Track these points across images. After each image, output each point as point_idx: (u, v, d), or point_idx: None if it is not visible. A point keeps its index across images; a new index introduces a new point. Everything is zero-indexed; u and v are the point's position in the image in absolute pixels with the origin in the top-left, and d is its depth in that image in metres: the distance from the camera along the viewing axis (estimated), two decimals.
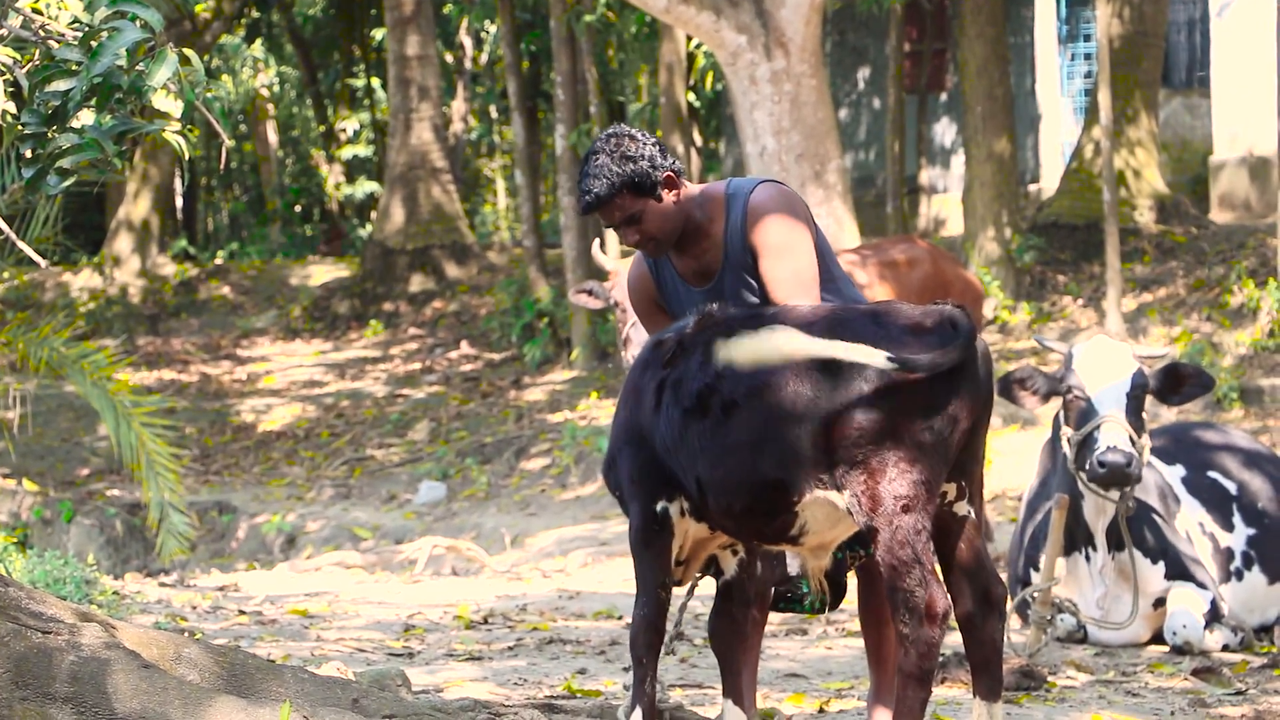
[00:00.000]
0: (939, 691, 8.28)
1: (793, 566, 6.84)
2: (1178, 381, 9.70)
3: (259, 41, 37.79)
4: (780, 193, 6.74)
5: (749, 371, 6.02)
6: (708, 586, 6.80)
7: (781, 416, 5.95)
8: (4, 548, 10.40)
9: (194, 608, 11.67)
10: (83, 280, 28.68)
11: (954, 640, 7.52)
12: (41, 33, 5.97)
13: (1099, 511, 9.68)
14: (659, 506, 6.20)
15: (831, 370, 5.91)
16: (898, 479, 5.86)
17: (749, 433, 5.99)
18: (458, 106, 35.45)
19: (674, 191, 6.75)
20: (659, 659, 6.36)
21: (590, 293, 12.08)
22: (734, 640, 6.56)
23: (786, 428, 5.94)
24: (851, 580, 6.99)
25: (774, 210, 6.68)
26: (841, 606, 9.46)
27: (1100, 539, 9.75)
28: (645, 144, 6.73)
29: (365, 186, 36.24)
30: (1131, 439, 9.38)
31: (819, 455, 5.91)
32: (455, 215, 28.14)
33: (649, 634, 6.27)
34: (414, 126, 27.66)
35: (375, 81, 37.05)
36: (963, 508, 6.12)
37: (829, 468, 5.91)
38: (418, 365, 25.07)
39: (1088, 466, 9.43)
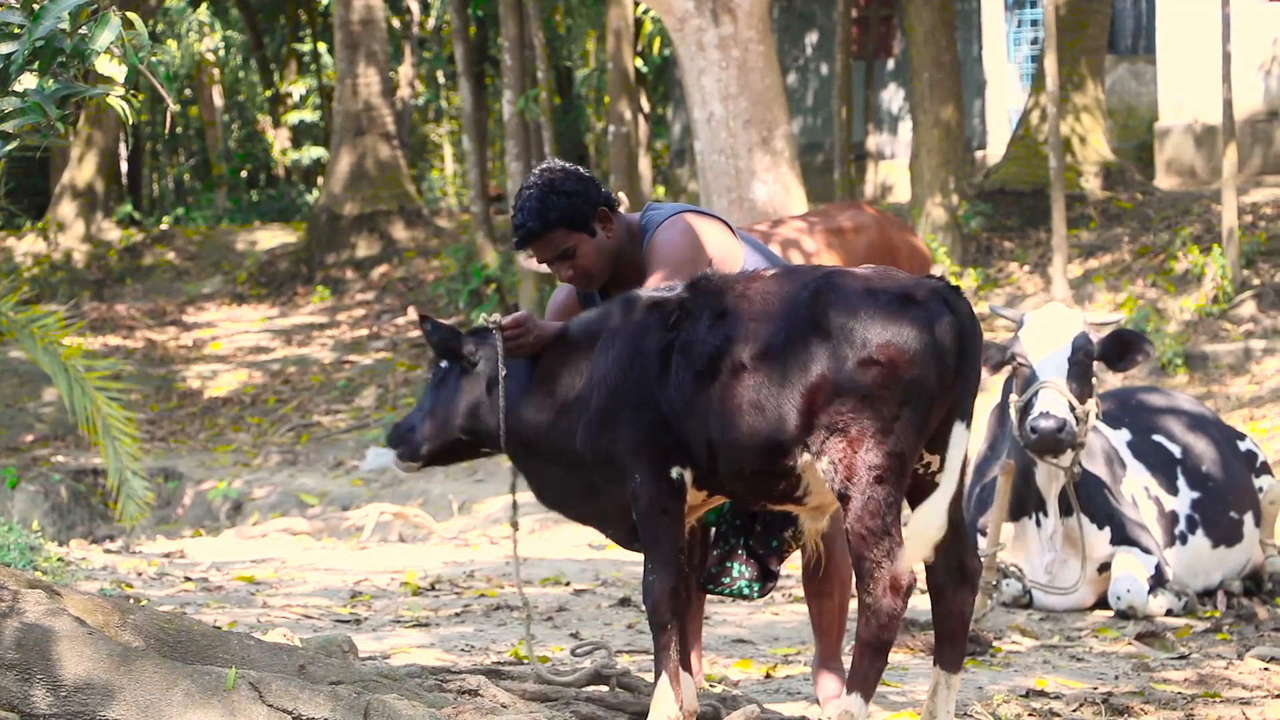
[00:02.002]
0: None
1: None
2: (1124, 347, 9.73)
3: (204, 5, 37.58)
4: (677, 233, 6.75)
5: (753, 334, 6.02)
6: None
7: (781, 380, 5.96)
8: None
9: (139, 574, 11.63)
10: (27, 245, 28.51)
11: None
12: None
13: (1051, 477, 9.71)
14: (675, 473, 6.18)
15: (823, 337, 5.92)
16: (874, 449, 5.86)
17: (755, 394, 5.99)
18: (405, 71, 35.32)
19: (608, 226, 6.78)
20: (680, 624, 6.32)
21: None
22: (680, 608, 6.56)
23: (783, 391, 5.95)
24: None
25: (665, 256, 6.69)
26: (787, 573, 9.51)
27: (1052, 505, 9.78)
28: (580, 178, 6.75)
29: (312, 152, 36.10)
30: (1072, 405, 9.41)
31: (806, 420, 5.92)
32: (402, 181, 28.06)
33: (673, 601, 6.23)
34: (360, 92, 27.56)
35: (321, 46, 36.90)
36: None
37: (812, 432, 5.92)
38: (365, 331, 25.02)
39: (1023, 432, 9.48)
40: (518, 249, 6.85)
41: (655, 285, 6.47)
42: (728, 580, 6.88)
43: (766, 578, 6.90)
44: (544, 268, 6.91)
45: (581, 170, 6.81)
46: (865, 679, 5.98)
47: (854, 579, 6.04)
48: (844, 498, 5.91)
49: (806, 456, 5.98)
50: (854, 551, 5.93)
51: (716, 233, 6.82)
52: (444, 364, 6.65)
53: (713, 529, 6.92)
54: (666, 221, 6.80)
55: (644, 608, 6.33)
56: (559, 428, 6.38)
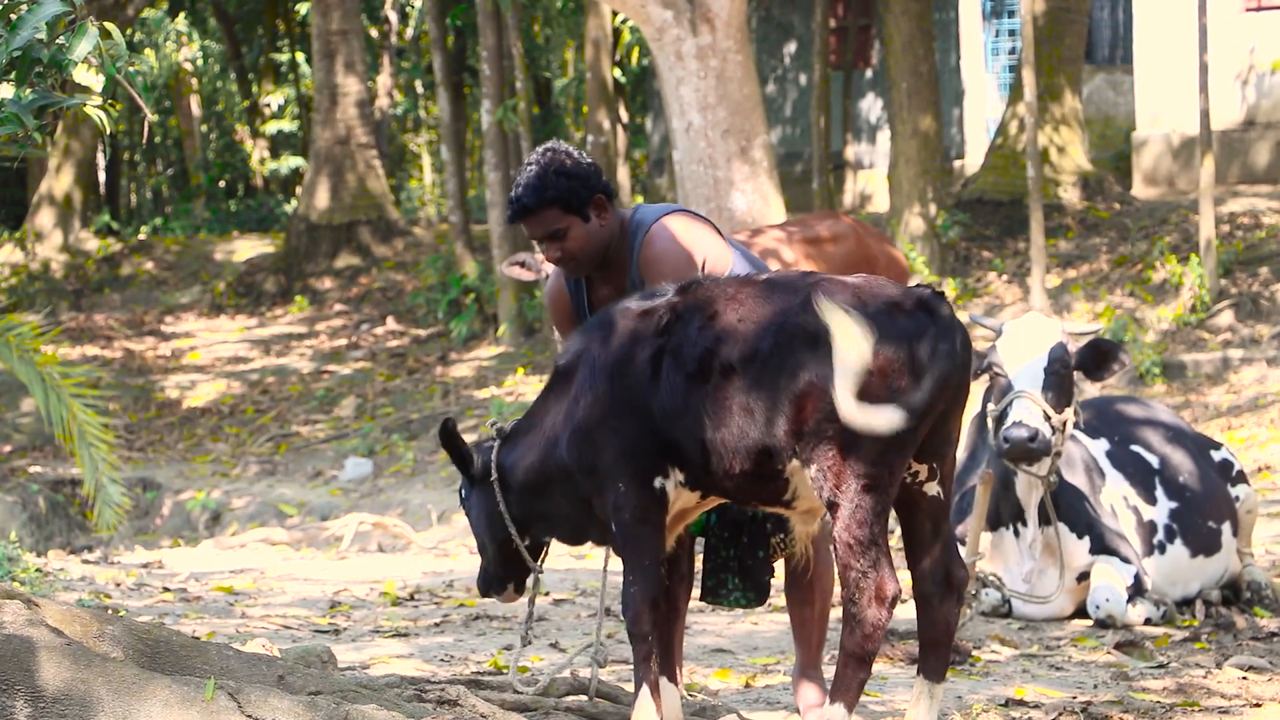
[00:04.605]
0: None
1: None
2: (1101, 357, 9.74)
3: (182, 15, 37.53)
4: (670, 243, 6.80)
5: (743, 338, 6.04)
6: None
7: (771, 385, 5.96)
8: None
9: (118, 585, 11.61)
10: (4, 255, 28.47)
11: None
12: None
13: (1030, 487, 9.72)
14: (657, 484, 6.18)
15: (813, 345, 5.93)
16: (863, 458, 5.86)
17: (743, 397, 5.99)
18: (383, 81, 35.31)
19: (602, 215, 6.81)
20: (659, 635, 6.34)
21: (523, 264, 12.05)
22: (671, 617, 6.58)
23: (772, 396, 5.96)
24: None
25: (662, 251, 6.76)
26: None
27: (1031, 514, 9.79)
28: (580, 162, 6.80)
29: (290, 162, 36.07)
30: (1047, 414, 9.41)
31: (795, 426, 5.92)
32: (381, 191, 28.06)
33: (653, 613, 6.23)
34: (339, 102, 27.55)
35: (300, 56, 36.86)
36: (933, 488, 6.12)
37: (800, 439, 5.92)
38: (343, 341, 24.99)
39: (997, 442, 9.49)
40: (511, 222, 6.91)
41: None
42: (724, 592, 6.89)
43: (760, 589, 6.90)
44: (528, 274, 6.96)
45: (585, 155, 6.87)
46: (848, 688, 5.98)
47: (836, 588, 6.04)
48: (832, 505, 5.91)
49: (795, 462, 5.98)
50: (840, 560, 5.92)
51: (706, 236, 6.85)
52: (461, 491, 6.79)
53: (702, 541, 6.92)
54: (657, 226, 6.83)
55: (623, 619, 6.32)
56: (556, 455, 6.39)
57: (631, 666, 8.23)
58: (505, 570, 6.77)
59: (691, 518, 6.48)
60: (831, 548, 6.07)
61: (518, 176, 6.82)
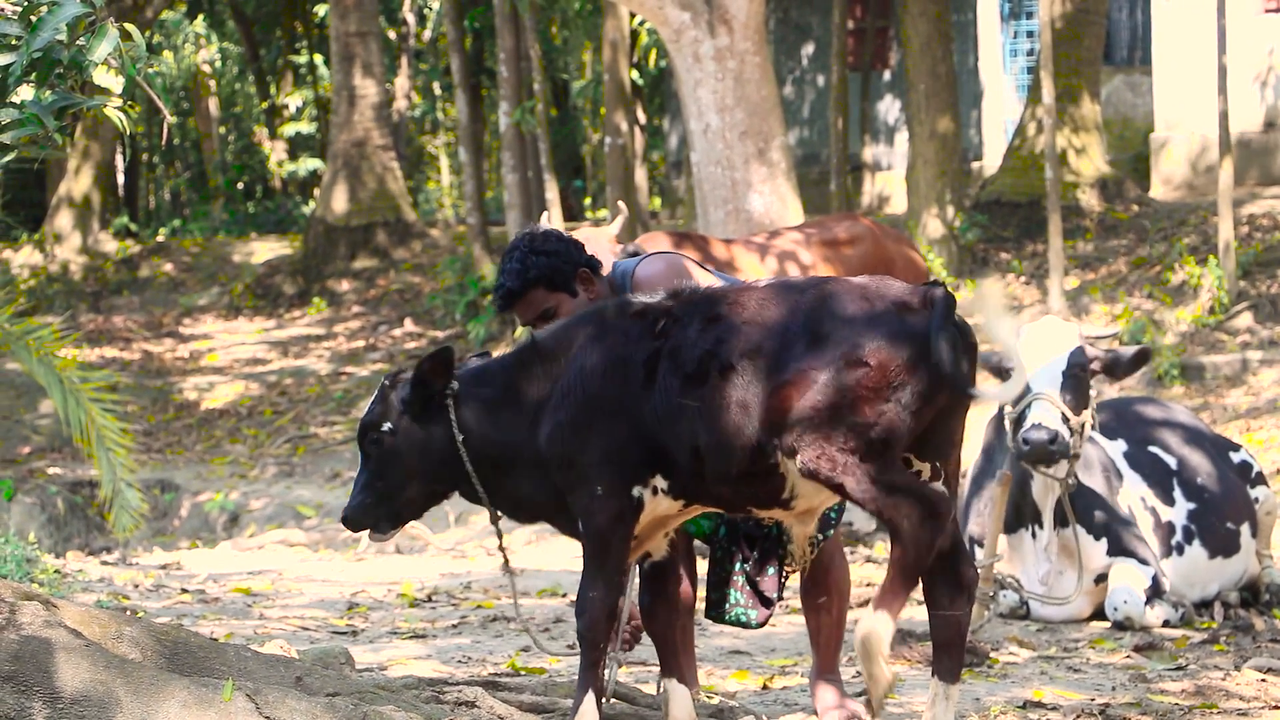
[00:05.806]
0: None
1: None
2: (1125, 360, 9.75)
3: (201, 17, 37.58)
4: (658, 267, 6.87)
5: (746, 337, 6.04)
6: None
7: (769, 380, 5.97)
8: None
9: (136, 586, 11.63)
10: (23, 257, 28.51)
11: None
12: None
13: (1047, 489, 9.72)
14: (635, 492, 6.17)
15: (817, 340, 5.95)
16: (852, 439, 5.87)
17: (744, 394, 5.99)
18: (401, 83, 35.33)
19: (590, 288, 6.81)
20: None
21: None
22: (671, 619, 6.58)
23: (764, 390, 5.97)
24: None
25: (653, 285, 6.76)
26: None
27: (1047, 516, 9.79)
28: (560, 239, 6.81)
29: (308, 163, 36.10)
30: (1065, 416, 9.41)
31: (795, 419, 5.91)
32: (398, 193, 28.07)
33: (609, 621, 6.23)
34: (357, 104, 27.57)
35: (318, 58, 36.90)
36: (937, 488, 6.12)
37: (786, 431, 5.91)
38: (361, 343, 25.01)
39: (1016, 444, 9.49)
40: (501, 311, 6.91)
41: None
42: (726, 607, 6.88)
43: (764, 605, 6.89)
44: None
45: (563, 232, 6.90)
46: (894, 600, 5.97)
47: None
48: (838, 486, 5.92)
49: (783, 456, 5.98)
50: (884, 518, 5.91)
51: (685, 275, 6.85)
52: (387, 427, 6.56)
53: (702, 546, 6.92)
54: (644, 261, 6.92)
55: (576, 622, 6.27)
56: (531, 441, 6.33)
57: (645, 668, 8.25)
58: (406, 511, 6.77)
59: (671, 526, 6.44)
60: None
61: (502, 263, 6.82)
